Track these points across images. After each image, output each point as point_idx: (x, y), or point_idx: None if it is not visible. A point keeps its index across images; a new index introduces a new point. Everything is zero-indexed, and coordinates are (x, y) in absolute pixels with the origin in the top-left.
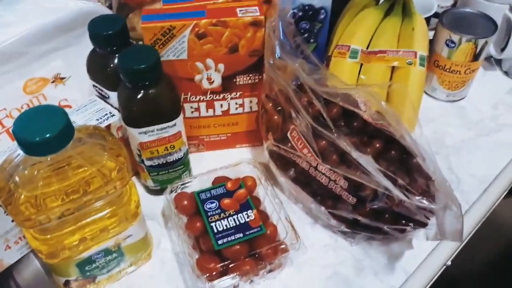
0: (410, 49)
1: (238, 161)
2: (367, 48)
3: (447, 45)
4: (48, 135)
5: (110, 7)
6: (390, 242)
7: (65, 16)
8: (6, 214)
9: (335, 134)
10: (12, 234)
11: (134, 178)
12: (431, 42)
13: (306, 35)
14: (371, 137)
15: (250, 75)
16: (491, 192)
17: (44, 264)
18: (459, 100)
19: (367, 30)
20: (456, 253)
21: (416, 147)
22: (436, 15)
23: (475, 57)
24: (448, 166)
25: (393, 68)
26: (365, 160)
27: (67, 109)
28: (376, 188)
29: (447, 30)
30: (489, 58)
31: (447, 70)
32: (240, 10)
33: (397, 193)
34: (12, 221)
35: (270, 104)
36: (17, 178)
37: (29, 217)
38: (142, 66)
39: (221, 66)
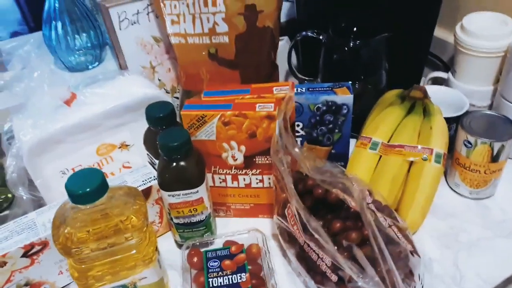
0: (427, 146)
1: (249, 229)
2: (388, 141)
3: (465, 145)
4: (87, 190)
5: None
6: None
7: (133, 99)
8: None
9: (307, 215)
10: (65, 263)
11: (169, 233)
12: (454, 140)
13: (330, 126)
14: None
15: (267, 156)
16: None
17: None
18: (484, 198)
19: (389, 125)
20: None
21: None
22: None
23: (493, 159)
24: (454, 262)
25: (411, 162)
26: (322, 237)
27: (126, 170)
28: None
29: (464, 131)
30: None
31: (467, 168)
32: (259, 106)
33: (347, 270)
34: None
35: (278, 183)
36: (65, 219)
37: (68, 248)
38: (174, 144)
39: (242, 148)
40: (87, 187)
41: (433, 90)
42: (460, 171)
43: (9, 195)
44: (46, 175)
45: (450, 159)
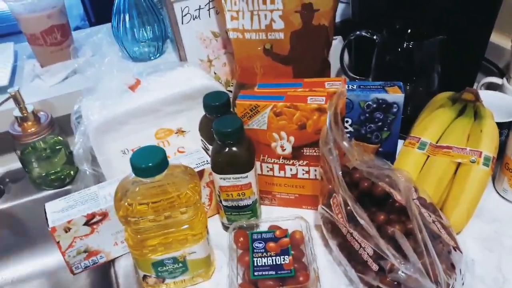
0: (476, 148)
1: (295, 216)
2: (437, 142)
3: None
4: (150, 165)
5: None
6: None
7: (192, 88)
8: None
9: (353, 202)
10: (120, 235)
11: (216, 216)
12: (504, 146)
13: (380, 123)
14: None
15: (315, 148)
16: None
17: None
18: None
19: (439, 126)
20: None
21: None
22: None
23: None
24: (497, 265)
25: (459, 164)
26: (367, 223)
27: (181, 154)
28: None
29: None
30: None
31: None
32: (310, 98)
33: (391, 257)
34: None
35: (325, 174)
36: (127, 192)
37: (127, 218)
38: (228, 130)
39: (291, 138)
40: (150, 162)
41: (486, 95)
42: (509, 176)
43: (71, 172)
44: (108, 153)
45: (500, 164)
